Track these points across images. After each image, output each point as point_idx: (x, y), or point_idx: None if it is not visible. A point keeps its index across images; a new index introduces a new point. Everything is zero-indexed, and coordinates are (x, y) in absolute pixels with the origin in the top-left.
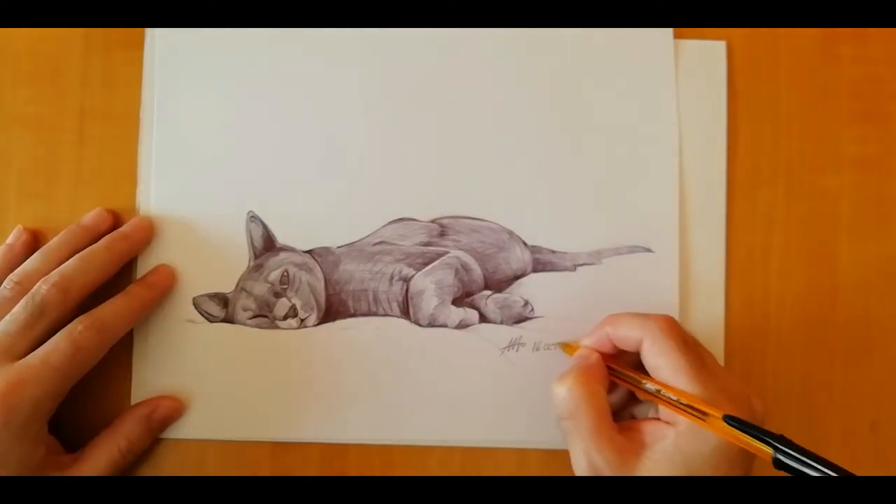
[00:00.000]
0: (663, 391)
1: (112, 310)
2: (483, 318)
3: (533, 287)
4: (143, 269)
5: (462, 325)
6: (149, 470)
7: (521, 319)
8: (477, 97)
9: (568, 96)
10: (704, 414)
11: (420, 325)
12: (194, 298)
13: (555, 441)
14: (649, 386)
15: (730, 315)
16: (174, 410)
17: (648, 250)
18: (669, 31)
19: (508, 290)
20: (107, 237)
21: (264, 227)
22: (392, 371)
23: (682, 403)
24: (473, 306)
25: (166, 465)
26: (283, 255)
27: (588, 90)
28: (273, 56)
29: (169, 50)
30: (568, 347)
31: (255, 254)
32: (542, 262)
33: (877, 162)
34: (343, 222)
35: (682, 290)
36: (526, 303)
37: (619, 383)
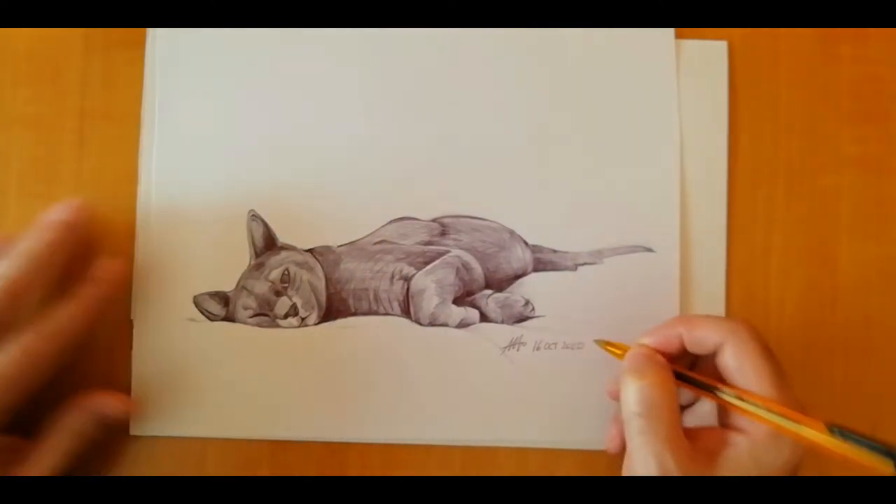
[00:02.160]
0: (746, 398)
1: (63, 315)
2: (484, 318)
3: (534, 286)
4: (142, 268)
5: (463, 325)
6: (149, 470)
7: (521, 319)
8: (478, 97)
9: (568, 96)
10: (796, 423)
11: (421, 324)
12: (195, 297)
13: (555, 441)
14: (727, 392)
15: (730, 315)
16: (120, 410)
17: (649, 250)
18: (671, 31)
19: (509, 289)
20: (39, 228)
21: (265, 225)
22: (392, 370)
23: (770, 412)
24: (474, 305)
25: (167, 465)
26: (283, 253)
27: (589, 90)
28: (273, 56)
29: (169, 50)
30: (612, 346)
31: (255, 252)
32: (542, 262)
33: (877, 162)
34: (344, 221)
35: (682, 289)
36: (527, 302)
37: (685, 387)
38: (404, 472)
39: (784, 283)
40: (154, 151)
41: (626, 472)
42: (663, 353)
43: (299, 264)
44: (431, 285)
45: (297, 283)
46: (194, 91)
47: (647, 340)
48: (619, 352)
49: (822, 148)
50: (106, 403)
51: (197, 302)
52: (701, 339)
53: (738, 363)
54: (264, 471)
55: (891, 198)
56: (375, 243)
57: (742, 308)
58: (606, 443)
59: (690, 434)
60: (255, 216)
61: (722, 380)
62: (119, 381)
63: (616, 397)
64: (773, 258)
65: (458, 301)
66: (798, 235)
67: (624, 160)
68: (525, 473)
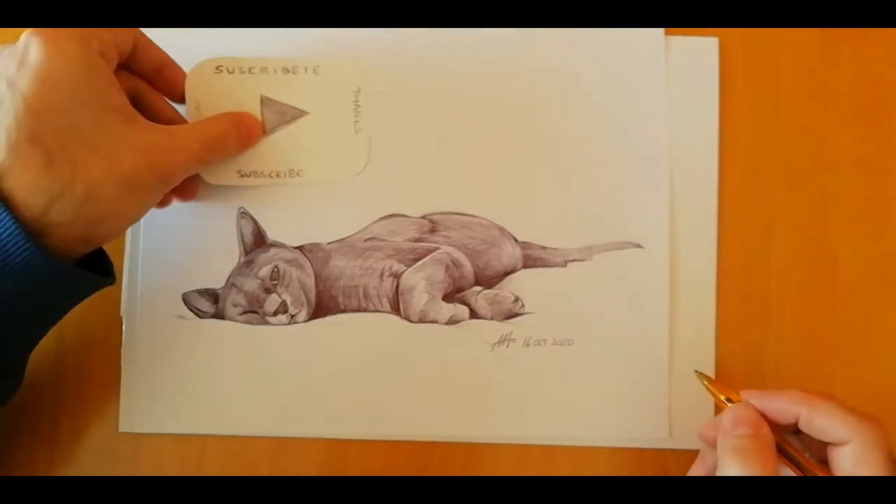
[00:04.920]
0: None
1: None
2: (473, 314)
3: (523, 283)
4: (132, 265)
5: (452, 321)
6: (137, 466)
7: (511, 315)
8: (468, 94)
9: (558, 94)
10: None
11: (410, 320)
12: (184, 294)
13: (545, 437)
14: None
15: (730, 315)
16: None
17: (639, 246)
18: (660, 28)
19: (499, 286)
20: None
21: (255, 222)
22: (382, 367)
23: None
24: (464, 302)
25: (154, 462)
26: (273, 250)
27: (579, 87)
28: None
29: (168, 50)
30: (713, 386)
31: (245, 250)
32: (532, 258)
33: (877, 162)
34: (333, 218)
35: (672, 286)
36: (516, 299)
37: (784, 464)
38: (404, 468)
39: (784, 283)
40: None
41: None
42: (769, 420)
43: (289, 261)
44: (421, 282)
45: (287, 281)
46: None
47: (757, 402)
48: (721, 396)
49: (822, 148)
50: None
51: (186, 299)
52: (822, 428)
53: (855, 468)
54: (264, 467)
55: (891, 198)
56: (365, 240)
57: (742, 308)
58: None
59: None
60: (244, 213)
61: (824, 459)
62: (107, 379)
63: (708, 441)
64: (773, 258)
65: (447, 298)
66: (798, 235)
67: (614, 157)
68: (524, 471)
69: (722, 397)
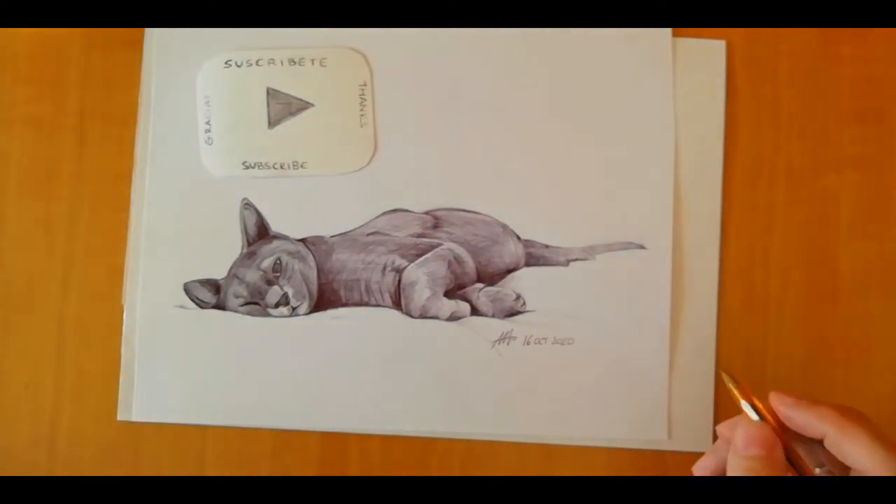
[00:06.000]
0: None
1: None
2: (475, 311)
3: (525, 281)
4: (134, 254)
5: (453, 318)
6: (133, 455)
7: (512, 313)
8: (475, 92)
9: (565, 92)
10: None
11: (412, 316)
12: (185, 284)
13: (545, 436)
14: None
15: (729, 315)
16: None
17: (641, 247)
18: (668, 29)
19: (501, 283)
20: None
21: (258, 214)
22: (382, 361)
23: None
24: (465, 299)
25: (165, 453)
26: (276, 242)
27: (586, 86)
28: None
29: (168, 50)
30: (739, 390)
31: (248, 241)
32: (535, 257)
33: (877, 162)
34: (337, 212)
35: (674, 287)
36: (518, 296)
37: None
38: (403, 465)
39: (784, 283)
40: (150, 147)
41: None
42: (791, 427)
43: (291, 254)
44: (423, 278)
45: (289, 273)
46: (191, 88)
47: (785, 409)
48: (743, 402)
49: (822, 148)
50: None
51: (187, 289)
52: (848, 454)
53: None
54: (263, 461)
55: (891, 198)
56: (368, 234)
57: (742, 308)
58: (696, 471)
59: None
60: (248, 205)
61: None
62: (107, 367)
63: (723, 440)
64: (773, 258)
65: (449, 294)
66: (798, 235)
67: (619, 157)
68: (523, 470)
69: (743, 403)
